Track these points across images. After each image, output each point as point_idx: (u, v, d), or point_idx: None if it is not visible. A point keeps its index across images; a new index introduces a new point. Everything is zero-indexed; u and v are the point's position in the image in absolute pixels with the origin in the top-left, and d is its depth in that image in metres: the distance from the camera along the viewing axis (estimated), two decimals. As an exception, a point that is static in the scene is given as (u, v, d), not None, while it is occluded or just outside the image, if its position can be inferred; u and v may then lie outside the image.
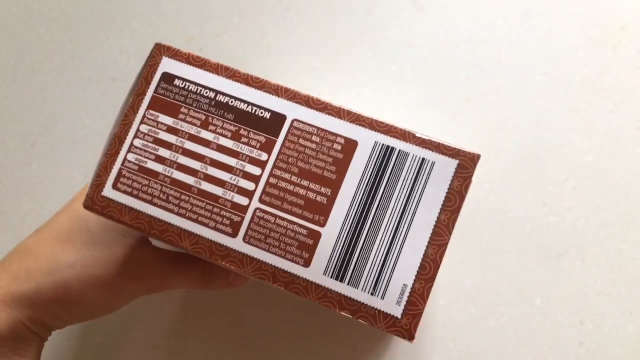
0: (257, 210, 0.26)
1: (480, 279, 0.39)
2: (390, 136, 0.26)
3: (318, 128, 0.26)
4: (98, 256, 0.31)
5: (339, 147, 0.26)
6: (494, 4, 0.43)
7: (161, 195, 0.26)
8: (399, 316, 0.24)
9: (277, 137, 0.26)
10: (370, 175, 0.25)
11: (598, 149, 0.40)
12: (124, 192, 0.26)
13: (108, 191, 0.27)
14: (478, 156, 0.25)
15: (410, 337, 0.24)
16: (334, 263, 0.25)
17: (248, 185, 0.26)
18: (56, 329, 0.33)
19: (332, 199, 0.25)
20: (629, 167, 0.40)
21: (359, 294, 0.25)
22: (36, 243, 0.32)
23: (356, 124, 0.26)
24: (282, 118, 0.26)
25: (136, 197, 0.26)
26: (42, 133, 0.45)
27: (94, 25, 0.47)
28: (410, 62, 0.43)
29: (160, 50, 0.28)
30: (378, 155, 0.25)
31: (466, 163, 0.25)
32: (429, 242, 0.25)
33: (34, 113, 0.46)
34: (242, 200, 0.26)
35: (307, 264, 0.25)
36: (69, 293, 0.31)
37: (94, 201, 0.27)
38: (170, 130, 0.27)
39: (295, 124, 0.26)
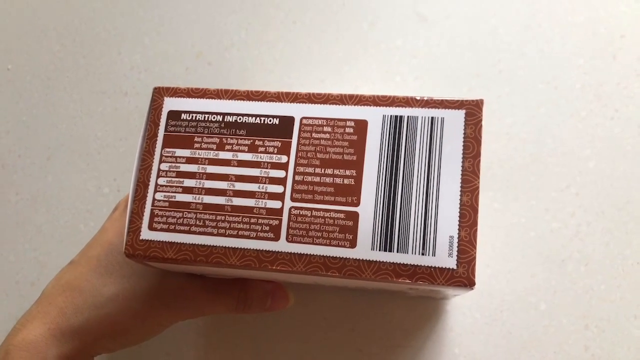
0: (292, 209, 0.26)
1: (485, 285, 0.40)
2: (395, 106, 0.27)
3: (326, 119, 0.27)
4: (137, 288, 0.32)
5: (351, 130, 0.27)
6: (495, 14, 0.45)
7: (198, 222, 0.27)
8: (455, 267, 0.25)
9: (290, 138, 0.27)
10: (388, 146, 0.26)
11: (600, 155, 0.41)
12: (161, 229, 0.27)
13: (145, 233, 0.27)
14: (482, 101, 0.26)
15: (470, 284, 0.25)
16: (379, 236, 0.26)
17: (277, 189, 0.27)
18: (98, 355, 0.34)
19: (359, 179, 0.26)
20: (630, 173, 0.41)
21: (411, 258, 0.25)
22: (77, 277, 0.33)
23: (361, 105, 0.27)
24: (290, 120, 0.27)
25: (174, 231, 0.27)
26: (57, 147, 0.47)
27: (106, 42, 0.49)
28: (414, 72, 0.44)
29: (160, 93, 0.29)
30: (389, 127, 0.27)
31: (472, 110, 0.26)
32: (461, 191, 0.25)
33: (49, 128, 0.48)
34: (275, 204, 0.27)
35: (353, 244, 0.26)
36: (114, 326, 0.32)
37: (135, 247, 0.27)
38: (190, 160, 0.28)
39: (304, 121, 0.27)
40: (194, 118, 0.28)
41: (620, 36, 0.43)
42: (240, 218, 0.27)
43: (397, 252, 0.25)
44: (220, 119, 0.28)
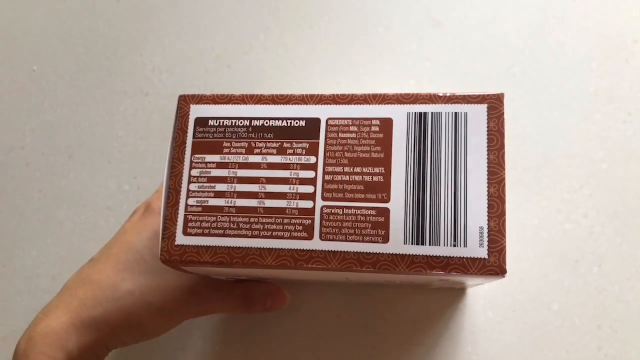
0: (324, 208, 0.27)
1: (498, 284, 0.40)
2: (419, 103, 0.28)
3: (352, 119, 0.28)
4: (153, 284, 0.34)
5: (377, 129, 0.28)
6: (509, 18, 0.45)
7: (232, 225, 0.28)
8: (486, 256, 0.26)
9: (318, 139, 0.28)
10: (414, 142, 0.27)
11: (613, 157, 0.42)
12: (196, 234, 0.28)
13: (180, 239, 0.28)
14: (502, 94, 0.27)
15: (502, 272, 0.25)
16: (410, 230, 0.26)
17: (307, 189, 0.27)
18: (114, 349, 0.35)
19: (387, 175, 0.27)
20: (643, 175, 0.41)
21: (443, 250, 0.26)
22: (97, 272, 0.35)
23: (385, 104, 0.28)
24: (316, 121, 0.28)
25: (209, 235, 0.28)
26: (79, 145, 0.48)
27: (128, 44, 0.50)
28: (428, 75, 0.45)
29: (186, 101, 0.30)
30: (414, 123, 0.27)
31: (494, 104, 0.27)
32: (488, 183, 0.26)
33: (72, 127, 0.49)
34: (306, 204, 0.27)
35: (385, 240, 0.26)
36: (129, 318, 0.33)
37: (170, 252, 0.28)
38: (220, 165, 0.28)
39: (330, 122, 0.28)
40: (221, 124, 0.29)
41: (633, 41, 0.44)
42: (274, 219, 0.27)
43: (429, 244, 0.26)
44: (248, 124, 0.29)
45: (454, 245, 0.26)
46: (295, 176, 0.28)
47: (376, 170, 0.27)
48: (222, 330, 0.42)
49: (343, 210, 0.27)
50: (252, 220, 0.28)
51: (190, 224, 0.28)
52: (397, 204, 0.27)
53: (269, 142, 0.28)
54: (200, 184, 0.28)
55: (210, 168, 0.28)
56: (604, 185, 0.41)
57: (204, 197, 0.28)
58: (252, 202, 0.28)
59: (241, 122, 0.29)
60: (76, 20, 0.52)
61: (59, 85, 0.50)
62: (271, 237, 0.27)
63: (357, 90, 0.45)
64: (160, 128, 0.47)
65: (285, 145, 0.28)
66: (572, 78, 0.43)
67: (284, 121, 0.28)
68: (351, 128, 0.28)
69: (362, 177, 0.27)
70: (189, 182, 0.28)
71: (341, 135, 0.28)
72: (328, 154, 0.28)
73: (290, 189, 0.28)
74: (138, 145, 0.48)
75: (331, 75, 0.46)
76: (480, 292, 0.40)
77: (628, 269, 0.40)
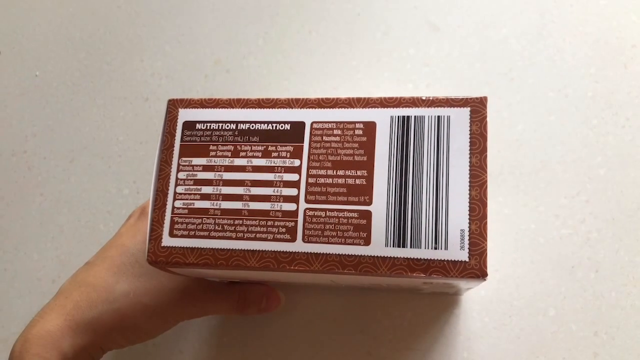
0: (307, 211, 0.27)
1: (494, 290, 0.40)
2: (402, 107, 0.28)
3: (336, 122, 0.28)
4: (148, 286, 0.34)
5: (361, 132, 0.28)
6: (507, 23, 0.45)
7: (217, 227, 0.28)
8: (467, 259, 0.26)
9: (302, 142, 0.28)
10: (397, 146, 0.27)
11: (610, 163, 0.41)
12: (182, 236, 0.28)
13: (167, 240, 0.28)
14: (485, 98, 0.27)
15: (483, 275, 0.25)
16: (392, 233, 0.26)
17: (291, 192, 0.28)
18: (109, 350, 0.36)
19: (370, 178, 0.27)
20: (641, 181, 0.41)
21: (424, 252, 0.26)
22: (92, 275, 0.35)
23: (369, 108, 0.28)
24: (301, 125, 0.28)
25: (194, 236, 0.28)
26: (80, 150, 0.49)
27: (129, 50, 0.51)
28: (425, 80, 0.45)
29: (175, 104, 0.30)
30: (397, 127, 0.27)
31: (477, 107, 0.27)
32: (469, 186, 0.26)
33: (74, 131, 0.50)
34: (290, 206, 0.28)
35: (367, 242, 0.26)
36: (124, 320, 0.34)
37: (157, 254, 0.28)
38: (206, 168, 0.29)
39: (314, 125, 0.28)
40: (208, 127, 0.29)
41: (632, 46, 0.43)
42: (258, 221, 0.28)
43: (411, 247, 0.26)
44: (234, 127, 0.29)
45: (435, 248, 0.26)
46: (280, 179, 0.28)
47: (359, 173, 0.27)
48: (219, 334, 0.42)
49: (326, 213, 0.27)
50: (236, 222, 0.28)
51: (176, 226, 0.28)
52: (379, 206, 0.27)
53: (254, 145, 0.29)
54: (187, 187, 0.29)
55: (197, 171, 0.29)
56: (602, 190, 0.41)
57: (191, 199, 0.29)
58: (237, 205, 0.28)
59: (228, 126, 0.29)
60: (78, 26, 0.53)
61: (61, 90, 0.51)
62: (255, 239, 0.27)
63: (355, 95, 0.45)
64: (160, 133, 0.48)
65: (270, 148, 0.28)
66: (570, 83, 0.43)
67: (270, 125, 0.29)
68: (335, 131, 0.28)
69: (345, 180, 0.27)
70: (176, 185, 0.29)
71: (325, 138, 0.28)
72: (312, 157, 0.28)
73: (274, 191, 0.28)
74: (138, 150, 0.48)
75: (329, 80, 0.47)
76: (476, 297, 0.40)
77: (625, 275, 0.39)
